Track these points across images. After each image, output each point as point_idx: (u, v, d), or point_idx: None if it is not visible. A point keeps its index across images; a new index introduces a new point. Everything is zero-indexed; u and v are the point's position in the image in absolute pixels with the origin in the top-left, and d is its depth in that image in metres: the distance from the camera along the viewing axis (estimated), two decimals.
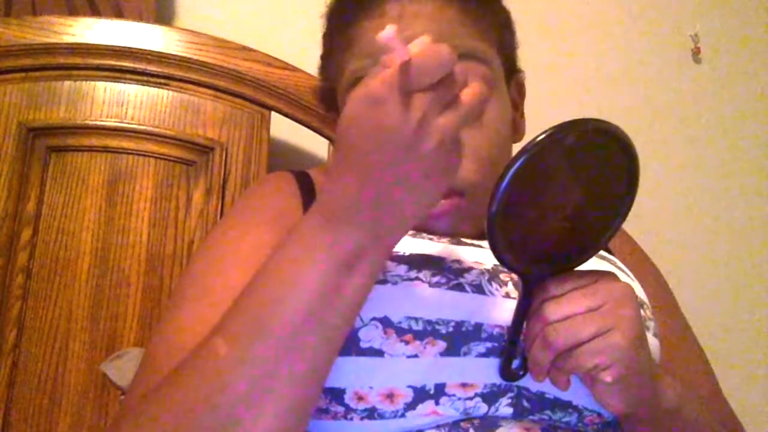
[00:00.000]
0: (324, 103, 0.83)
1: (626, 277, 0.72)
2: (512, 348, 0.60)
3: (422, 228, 0.69)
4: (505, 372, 0.61)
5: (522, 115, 0.82)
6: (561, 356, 0.57)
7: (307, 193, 0.75)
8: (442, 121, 0.49)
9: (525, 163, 0.54)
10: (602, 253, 0.74)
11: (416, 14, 0.71)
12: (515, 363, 0.61)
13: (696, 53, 1.47)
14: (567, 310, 0.56)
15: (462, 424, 0.60)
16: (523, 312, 0.60)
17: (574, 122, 0.55)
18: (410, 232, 0.68)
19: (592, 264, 0.62)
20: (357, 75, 0.71)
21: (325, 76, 0.81)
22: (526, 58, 0.83)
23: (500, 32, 0.77)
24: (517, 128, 0.79)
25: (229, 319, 0.53)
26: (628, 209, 0.60)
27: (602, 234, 0.61)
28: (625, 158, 0.58)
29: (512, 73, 0.79)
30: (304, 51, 1.09)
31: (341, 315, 0.53)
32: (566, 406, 0.62)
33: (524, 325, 0.60)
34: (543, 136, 0.54)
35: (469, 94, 0.50)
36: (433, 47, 0.48)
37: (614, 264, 0.73)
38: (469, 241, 0.69)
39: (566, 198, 0.58)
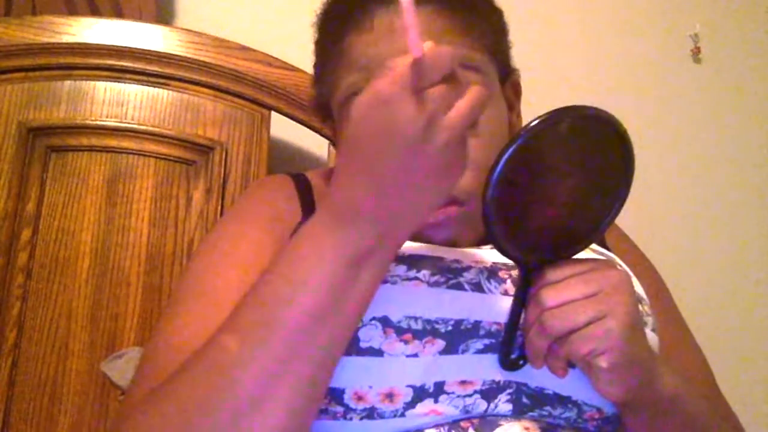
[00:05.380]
0: (319, 113, 0.82)
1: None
2: (511, 336, 0.60)
3: (421, 239, 0.69)
4: (505, 361, 0.61)
5: (518, 115, 0.81)
6: (557, 342, 0.57)
7: (305, 195, 0.76)
8: (448, 119, 0.50)
9: (519, 148, 0.54)
10: (600, 249, 0.74)
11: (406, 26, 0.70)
12: (515, 353, 0.61)
13: (696, 53, 1.47)
14: (564, 296, 0.57)
15: (461, 423, 0.60)
16: (522, 299, 0.60)
17: (567, 108, 0.55)
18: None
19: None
20: (351, 90, 0.71)
21: (319, 87, 0.80)
22: (524, 58, 0.83)
23: (493, 37, 0.76)
24: (513, 129, 0.79)
25: (238, 317, 0.54)
26: (625, 197, 0.60)
27: (599, 222, 0.61)
28: (620, 146, 0.58)
29: (507, 74, 0.79)
30: (304, 51, 1.09)
31: (349, 314, 0.54)
32: (566, 401, 0.62)
33: (522, 312, 0.60)
34: (537, 121, 0.54)
35: (471, 93, 0.51)
36: (436, 47, 0.50)
37: (612, 261, 0.73)
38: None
39: (562, 185, 0.59)
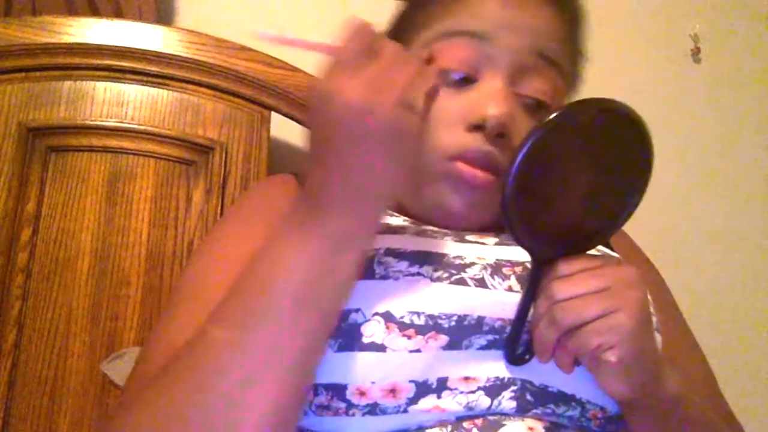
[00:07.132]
0: None
1: None
2: (518, 329, 0.60)
3: (436, 213, 0.69)
4: (511, 356, 0.61)
5: None
6: (566, 335, 0.57)
7: None
8: (384, 94, 0.52)
9: (539, 140, 0.55)
10: (606, 250, 0.74)
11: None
12: (521, 347, 0.61)
13: (696, 53, 1.47)
14: (575, 289, 0.57)
15: (465, 423, 0.60)
16: (532, 291, 0.60)
17: (588, 101, 0.56)
18: (413, 229, 0.68)
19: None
20: (449, 30, 0.71)
21: (401, 24, 0.79)
22: None
23: (579, 56, 0.82)
24: None
25: (223, 306, 0.55)
26: (641, 196, 0.60)
27: (614, 219, 0.61)
28: (638, 141, 0.58)
29: None
30: (304, 51, 1.09)
31: (333, 296, 0.55)
32: (570, 399, 0.62)
33: (531, 306, 0.60)
34: (557, 113, 0.55)
35: (406, 61, 0.54)
36: (356, 24, 0.53)
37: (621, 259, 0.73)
38: (472, 238, 0.69)
39: (580, 179, 0.59)
